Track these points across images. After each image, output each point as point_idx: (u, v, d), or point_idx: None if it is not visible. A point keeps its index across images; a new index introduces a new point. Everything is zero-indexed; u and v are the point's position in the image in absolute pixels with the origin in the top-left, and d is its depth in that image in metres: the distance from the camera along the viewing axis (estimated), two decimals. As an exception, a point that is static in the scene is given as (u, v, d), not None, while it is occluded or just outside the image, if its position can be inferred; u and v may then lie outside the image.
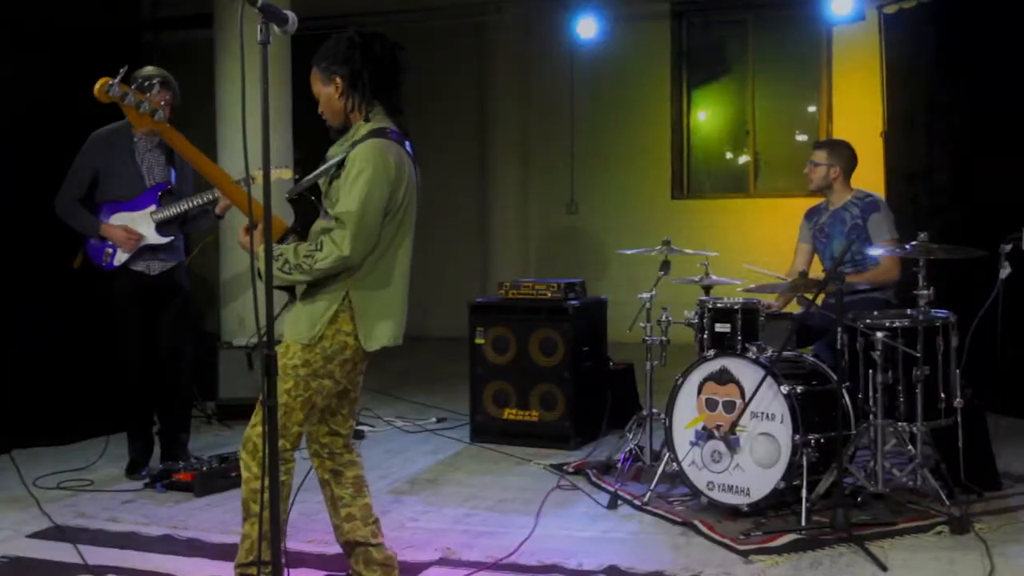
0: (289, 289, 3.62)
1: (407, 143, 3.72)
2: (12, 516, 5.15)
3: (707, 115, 11.98)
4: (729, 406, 4.89)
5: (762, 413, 4.79)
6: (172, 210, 5.62)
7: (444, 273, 12.33)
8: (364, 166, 3.49)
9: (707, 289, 5.64)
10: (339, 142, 3.68)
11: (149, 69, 5.73)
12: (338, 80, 3.62)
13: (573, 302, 6.48)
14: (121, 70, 3.53)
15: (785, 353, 4.97)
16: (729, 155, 11.98)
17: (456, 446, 6.62)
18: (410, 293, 3.81)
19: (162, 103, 3.50)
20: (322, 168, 3.62)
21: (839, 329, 4.84)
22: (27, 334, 6.86)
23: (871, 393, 4.88)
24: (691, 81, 11.84)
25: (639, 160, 11.71)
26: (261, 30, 3.00)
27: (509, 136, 12.05)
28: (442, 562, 4.35)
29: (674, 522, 4.82)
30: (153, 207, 5.64)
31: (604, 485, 5.43)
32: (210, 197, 5.61)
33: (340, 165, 3.56)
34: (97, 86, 3.40)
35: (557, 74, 11.90)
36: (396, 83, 3.71)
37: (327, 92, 3.66)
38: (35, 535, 4.82)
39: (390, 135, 3.62)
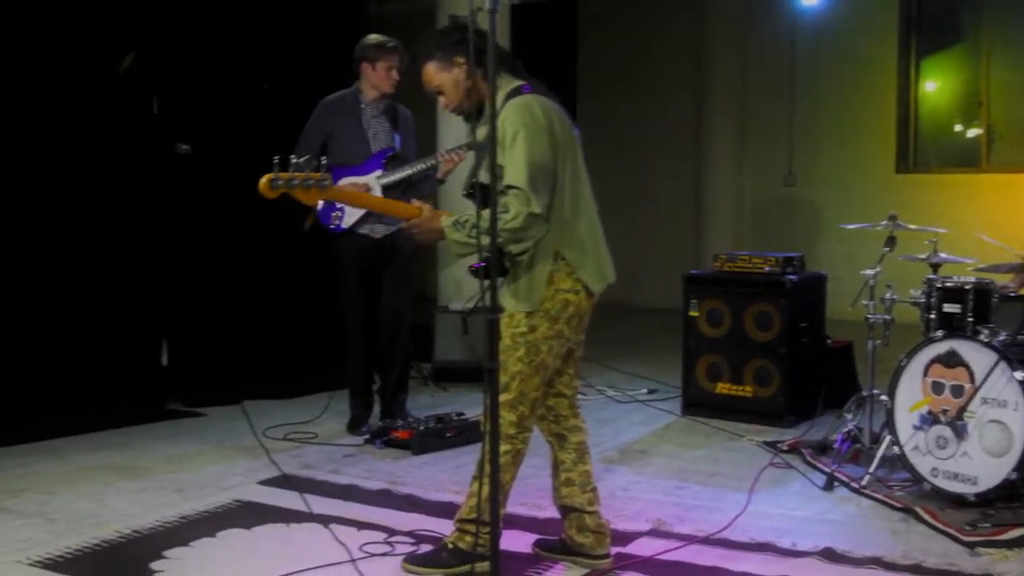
0: (500, 263, 3.66)
1: (550, 94, 3.76)
2: (244, 463, 5.46)
3: (936, 85, 11.42)
4: (957, 390, 4.68)
5: (993, 399, 4.56)
6: (397, 174, 5.78)
7: (655, 242, 12.26)
8: (516, 127, 3.55)
9: (935, 267, 5.39)
10: (482, 123, 3.68)
11: (376, 37, 5.93)
12: (460, 60, 3.68)
13: (791, 277, 6.33)
14: (275, 159, 3.55)
15: (1020, 337, 4.71)
16: (959, 127, 11.39)
17: (667, 418, 6.59)
18: (619, 262, 3.90)
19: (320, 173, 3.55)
20: (479, 156, 3.64)
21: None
22: (258, 295, 7.25)
23: (1116, 383, 4.57)
24: (920, 50, 11.31)
25: (862, 132, 11.29)
26: (489, -1, 3.02)
27: (726, 103, 11.79)
28: (653, 533, 4.34)
29: (894, 507, 4.66)
30: (379, 171, 5.82)
31: (820, 465, 5.30)
32: (433, 162, 5.76)
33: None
34: (262, 184, 3.47)
35: (778, 40, 11.59)
36: (506, 51, 3.78)
37: (451, 78, 3.73)
38: (265, 482, 5.09)
39: (523, 91, 3.67)
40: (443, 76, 3.75)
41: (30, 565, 3.95)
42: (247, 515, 4.57)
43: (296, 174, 3.49)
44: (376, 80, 5.88)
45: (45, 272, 6.22)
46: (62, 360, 6.30)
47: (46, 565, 3.95)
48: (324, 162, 3.65)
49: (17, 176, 6.08)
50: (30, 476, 5.18)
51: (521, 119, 3.57)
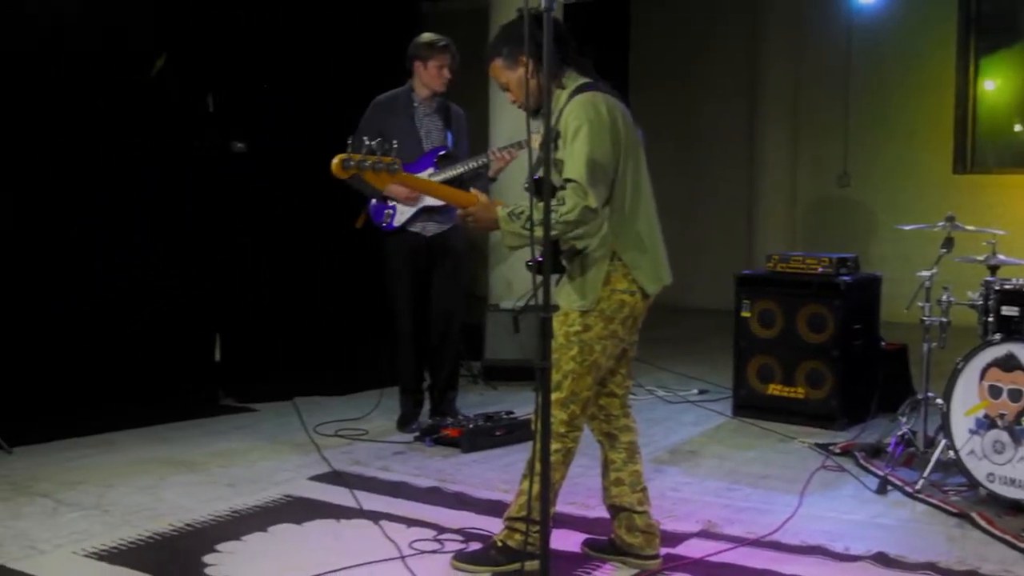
0: (557, 260, 3.66)
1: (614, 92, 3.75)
2: (295, 459, 5.50)
3: (995, 84, 11.23)
4: (1015, 395, 4.60)
5: (1052, 404, 4.49)
6: (449, 173, 5.78)
7: (707, 243, 12.17)
8: (579, 123, 3.55)
9: (993, 269, 5.30)
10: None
11: (428, 35, 5.95)
12: (524, 59, 3.66)
13: (845, 278, 6.25)
14: (349, 141, 3.59)
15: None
16: (1018, 127, 11.20)
17: (717, 419, 6.55)
18: (673, 263, 3.87)
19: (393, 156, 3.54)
20: (540, 152, 3.63)
21: None
22: (311, 292, 7.31)
23: None
24: (979, 49, 11.12)
25: (919, 132, 11.13)
26: (544, -3, 3.01)
27: (780, 102, 11.66)
28: (703, 534, 4.32)
29: (949, 512, 4.60)
30: (431, 170, 5.83)
31: (872, 469, 5.24)
32: (484, 160, 5.77)
33: (558, 136, 3.60)
34: (335, 164, 3.48)
35: (834, 40, 11.46)
36: (575, 49, 3.77)
37: (517, 76, 3.73)
38: (315, 478, 5.13)
39: (587, 88, 3.66)
40: (508, 74, 3.77)
41: (85, 556, 4.01)
42: (298, 510, 4.60)
43: (368, 156, 3.50)
44: (428, 79, 5.90)
45: (101, 266, 6.32)
46: (117, 354, 6.39)
47: (101, 556, 4.01)
48: (395, 145, 3.64)
49: (67, 175, 6.19)
50: (86, 469, 5.26)
51: (585, 114, 3.57)
